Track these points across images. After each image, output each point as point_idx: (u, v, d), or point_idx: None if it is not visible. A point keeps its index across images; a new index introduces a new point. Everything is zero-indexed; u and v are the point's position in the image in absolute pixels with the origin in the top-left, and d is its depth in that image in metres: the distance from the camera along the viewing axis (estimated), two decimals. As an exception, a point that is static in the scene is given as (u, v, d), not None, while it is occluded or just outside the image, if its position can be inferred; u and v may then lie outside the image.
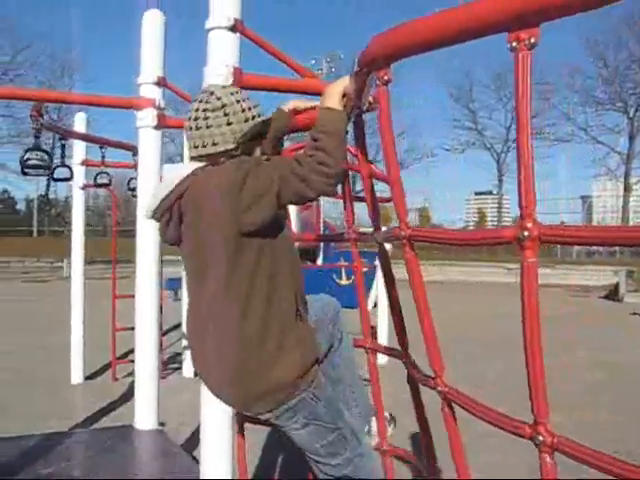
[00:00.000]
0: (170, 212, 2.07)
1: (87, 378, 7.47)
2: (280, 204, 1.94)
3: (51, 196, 38.81)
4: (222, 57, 2.88)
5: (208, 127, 2.06)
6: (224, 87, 2.21)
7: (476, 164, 51.05)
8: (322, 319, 2.34)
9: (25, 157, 4.32)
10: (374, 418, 2.42)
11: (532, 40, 1.12)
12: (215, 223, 1.97)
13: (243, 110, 2.09)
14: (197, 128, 2.08)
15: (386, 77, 1.41)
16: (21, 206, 40.85)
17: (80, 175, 7.22)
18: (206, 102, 2.09)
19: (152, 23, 4.06)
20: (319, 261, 15.32)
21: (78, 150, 7.29)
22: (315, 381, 2.09)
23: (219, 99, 2.08)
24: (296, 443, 2.21)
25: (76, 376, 7.32)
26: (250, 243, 1.98)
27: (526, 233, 1.09)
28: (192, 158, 2.14)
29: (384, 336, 8.61)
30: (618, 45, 40.64)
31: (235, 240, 1.96)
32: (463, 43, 1.27)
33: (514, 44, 1.13)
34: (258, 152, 2.18)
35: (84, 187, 7.37)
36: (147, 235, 4.11)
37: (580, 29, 39.03)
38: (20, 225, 35.82)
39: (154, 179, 4.09)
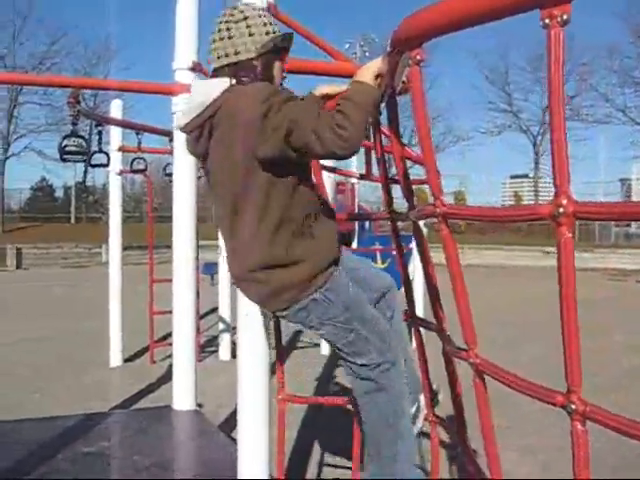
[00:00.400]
0: (202, 128, 2.19)
1: (126, 361, 7.60)
2: (290, 146, 2.00)
3: (88, 183, 39.36)
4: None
5: (230, 37, 2.18)
6: (247, 3, 2.34)
7: (512, 147, 50.68)
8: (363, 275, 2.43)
9: (63, 144, 4.39)
10: (422, 393, 2.44)
11: (564, 17, 1.11)
12: (239, 142, 2.09)
13: (264, 24, 2.21)
14: (220, 39, 2.20)
15: (419, 57, 1.41)
16: (59, 193, 41.38)
17: (117, 161, 7.32)
18: (230, 15, 2.22)
19: (186, 8, 4.09)
20: (354, 245, 15.32)
21: (115, 136, 7.38)
22: (328, 283, 2.19)
23: (242, 12, 2.21)
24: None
25: (115, 359, 7.45)
26: (264, 169, 2.10)
27: (561, 210, 1.09)
28: (215, 70, 2.26)
29: (420, 315, 8.59)
30: (657, 22, 39.67)
31: (251, 162, 2.09)
32: (496, 21, 1.27)
33: (547, 21, 1.13)
34: (277, 66, 2.27)
35: (121, 173, 7.47)
36: (183, 220, 4.16)
37: (617, 8, 38.12)
38: (58, 212, 36.35)
39: (190, 164, 4.14)
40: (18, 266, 23.06)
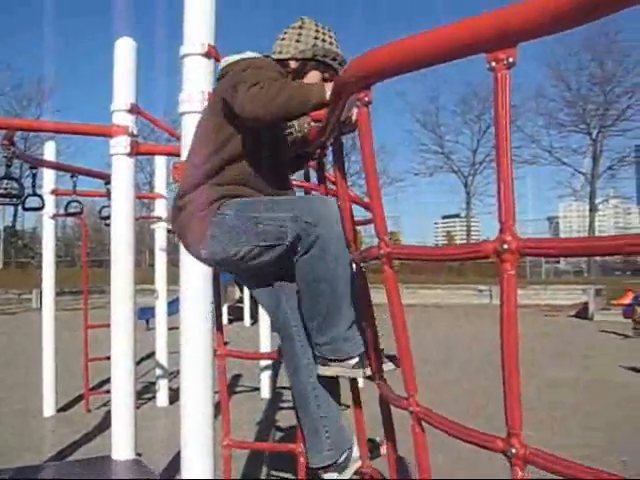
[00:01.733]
0: None
1: (59, 410, 7.34)
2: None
3: (17, 227, 38.33)
4: (197, 83, 2.92)
5: (283, 39, 2.51)
6: (315, 21, 2.54)
7: (444, 188, 51.63)
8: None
9: (-2, 187, 4.28)
10: (355, 443, 2.40)
11: (510, 60, 1.16)
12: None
13: (315, 37, 2.48)
14: (276, 39, 2.52)
15: (367, 98, 1.44)
16: (-13, 238, 40.16)
17: (50, 204, 7.16)
18: (294, 22, 2.52)
19: (124, 51, 4.07)
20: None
21: (48, 179, 7.23)
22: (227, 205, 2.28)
23: (301, 21, 2.51)
24: None
25: (48, 408, 7.19)
26: (226, 124, 2.31)
27: (505, 246, 1.12)
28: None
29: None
30: (579, 68, 41.60)
31: (219, 116, 2.33)
32: (444, 64, 1.31)
33: (493, 64, 1.17)
34: (313, 76, 2.47)
35: (54, 216, 7.31)
36: (121, 262, 4.08)
37: (543, 53, 39.88)
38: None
39: (128, 206, 4.09)
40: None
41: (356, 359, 2.17)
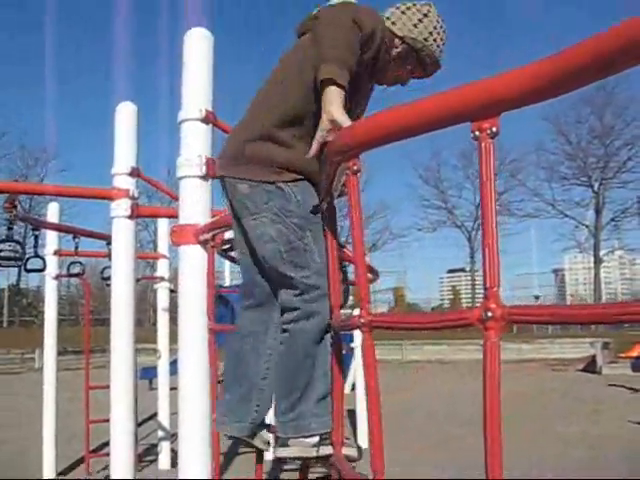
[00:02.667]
0: None
1: (60, 473, 7.22)
2: None
3: (22, 286, 38.38)
4: (195, 148, 2.96)
5: (403, 12, 2.38)
6: (440, 15, 2.43)
7: (448, 242, 51.71)
8: None
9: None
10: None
11: (493, 129, 1.19)
12: None
13: (430, 32, 2.36)
14: (397, 8, 2.40)
15: (355, 167, 1.47)
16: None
17: (53, 265, 7.19)
18: (421, 3, 2.41)
19: (125, 115, 4.15)
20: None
21: (51, 240, 7.28)
22: (300, 184, 2.23)
23: (428, 7, 2.40)
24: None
25: (48, 471, 7.07)
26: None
27: (490, 314, 1.12)
28: None
29: (363, 420, 8.48)
30: (578, 122, 42.09)
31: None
32: (428, 133, 1.34)
33: (477, 133, 1.20)
34: (403, 60, 2.40)
35: (57, 277, 7.33)
36: (121, 323, 4.08)
37: (542, 107, 40.39)
38: (-7, 317, 35.19)
39: (128, 268, 4.11)
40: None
41: (317, 438, 2.10)
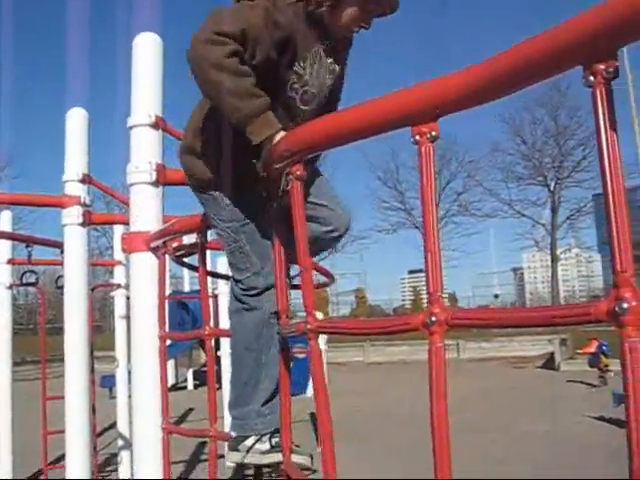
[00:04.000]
0: None
1: (18, 485, 7.07)
2: None
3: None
4: (144, 154, 2.92)
5: None
6: None
7: (408, 244, 52.03)
8: None
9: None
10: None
11: (433, 133, 1.19)
12: None
13: None
14: None
15: (299, 172, 1.46)
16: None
17: (6, 274, 7.04)
18: None
19: (75, 121, 4.07)
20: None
21: (3, 249, 7.13)
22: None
23: None
24: None
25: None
26: None
27: (433, 318, 1.12)
28: None
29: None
30: (533, 122, 42.73)
31: None
32: (369, 138, 1.34)
33: (417, 137, 1.20)
34: (349, 11, 2.07)
35: (11, 286, 7.18)
36: (75, 332, 4.00)
37: (497, 108, 40.93)
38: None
39: (81, 276, 4.03)
40: None
41: (266, 444, 2.11)
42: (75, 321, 4.01)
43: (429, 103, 1.17)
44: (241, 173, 2.12)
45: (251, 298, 2.18)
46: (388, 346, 25.99)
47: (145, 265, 2.86)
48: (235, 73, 1.86)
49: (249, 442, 2.10)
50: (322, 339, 9.61)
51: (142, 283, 2.86)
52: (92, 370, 7.97)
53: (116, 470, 7.62)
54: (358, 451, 7.60)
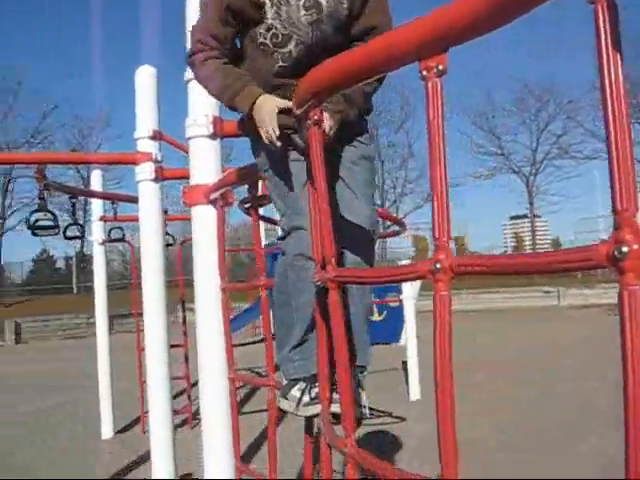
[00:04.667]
0: None
1: (118, 432, 7.47)
2: None
3: (87, 252, 39.45)
4: (201, 107, 2.92)
5: None
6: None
7: (509, 189, 50.46)
8: None
9: (32, 218, 4.41)
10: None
11: (440, 67, 1.10)
12: None
13: None
14: None
15: (315, 117, 1.41)
16: (60, 264, 41.30)
17: (99, 231, 7.36)
18: None
19: (144, 78, 4.13)
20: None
21: (96, 207, 7.43)
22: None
23: None
24: None
25: (106, 431, 7.33)
26: None
27: (438, 265, 1.06)
28: None
29: (415, 371, 8.47)
30: (637, 57, 40.28)
31: None
32: (382, 74, 1.27)
33: (424, 73, 1.12)
34: None
35: (103, 242, 7.48)
36: (153, 285, 4.12)
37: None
38: (60, 283, 36.24)
39: (156, 231, 4.13)
40: (17, 340, 22.88)
41: (306, 396, 2.09)
42: (152, 275, 4.12)
43: (434, 34, 1.09)
44: None
45: (281, 241, 2.20)
46: (486, 293, 25.59)
47: (205, 218, 2.88)
48: (216, 70, 2.17)
49: (296, 392, 2.11)
50: (414, 288, 9.55)
51: (203, 236, 2.89)
52: (184, 322, 8.29)
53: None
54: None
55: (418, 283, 10.09)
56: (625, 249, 0.77)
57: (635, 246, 0.77)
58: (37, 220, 4.56)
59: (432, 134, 1.10)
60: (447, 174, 1.10)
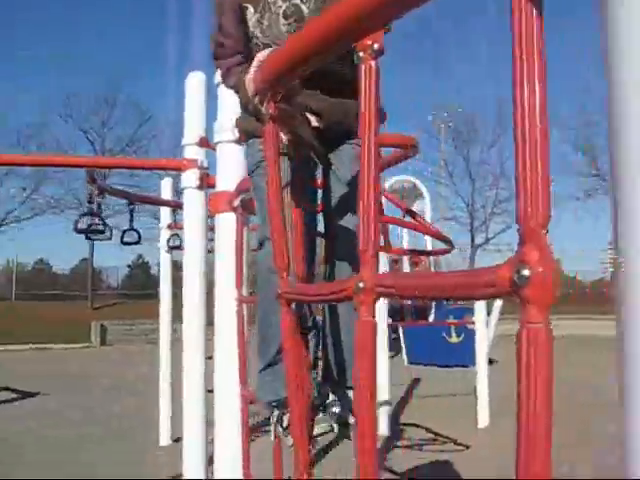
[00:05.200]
0: None
1: (176, 440, 7.45)
2: None
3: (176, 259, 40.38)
4: (228, 111, 2.82)
5: None
6: None
7: (604, 211, 48.48)
8: None
9: (79, 223, 4.42)
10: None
11: (375, 46, 0.94)
12: None
13: None
14: None
15: (271, 111, 1.25)
16: (154, 270, 42.41)
17: (166, 238, 7.39)
18: None
19: (194, 85, 4.07)
20: (431, 318, 14.70)
21: (164, 214, 7.47)
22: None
23: None
24: None
25: (164, 438, 7.33)
26: None
27: (361, 284, 0.87)
28: None
29: (484, 397, 8.09)
30: None
31: None
32: (326, 57, 1.12)
33: (361, 54, 0.96)
34: None
35: (170, 249, 7.52)
36: (195, 294, 4.03)
37: None
38: (152, 289, 37.21)
39: (200, 238, 4.05)
40: (102, 342, 23.57)
41: (274, 417, 1.93)
42: (194, 282, 4.04)
43: (365, 11, 0.91)
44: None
45: (254, 252, 2.13)
46: (580, 320, 24.30)
47: (226, 226, 2.77)
48: (239, 81, 2.07)
49: (273, 418, 1.96)
50: (495, 309, 9.20)
51: (223, 245, 2.77)
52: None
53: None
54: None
55: (498, 304, 9.62)
56: (526, 272, 0.56)
57: (539, 269, 0.56)
58: (90, 225, 4.58)
59: (363, 126, 0.93)
60: (378, 176, 0.92)
